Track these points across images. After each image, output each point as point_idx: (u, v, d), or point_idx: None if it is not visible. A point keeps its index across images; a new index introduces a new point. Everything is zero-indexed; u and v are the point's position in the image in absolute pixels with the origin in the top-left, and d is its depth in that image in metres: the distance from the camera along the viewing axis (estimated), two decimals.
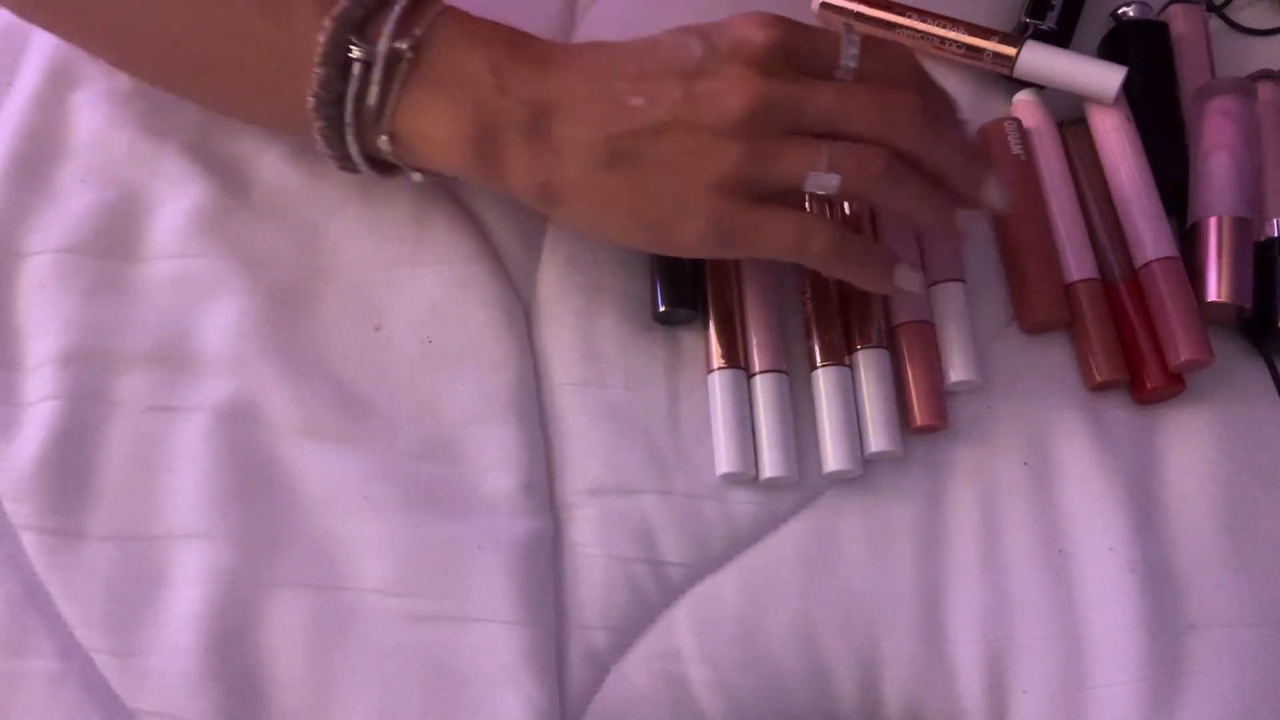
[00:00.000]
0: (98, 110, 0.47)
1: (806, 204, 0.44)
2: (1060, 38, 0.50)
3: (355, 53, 0.38)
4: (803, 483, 0.43)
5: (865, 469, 0.43)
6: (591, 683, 0.40)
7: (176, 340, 0.44)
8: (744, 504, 0.42)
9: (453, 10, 0.40)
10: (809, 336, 0.44)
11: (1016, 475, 0.43)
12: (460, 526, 0.41)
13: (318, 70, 0.38)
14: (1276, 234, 0.45)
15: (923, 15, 0.50)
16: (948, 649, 0.41)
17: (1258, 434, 0.44)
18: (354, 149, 0.40)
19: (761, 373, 0.43)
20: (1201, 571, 0.41)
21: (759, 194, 0.38)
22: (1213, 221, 0.45)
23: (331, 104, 0.39)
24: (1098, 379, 0.44)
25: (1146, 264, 0.45)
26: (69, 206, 0.46)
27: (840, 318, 0.44)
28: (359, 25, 0.38)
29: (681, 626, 0.41)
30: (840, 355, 0.44)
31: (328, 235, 0.46)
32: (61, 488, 0.41)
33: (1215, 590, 0.41)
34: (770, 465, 0.42)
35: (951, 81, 0.50)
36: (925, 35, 0.50)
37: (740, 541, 0.42)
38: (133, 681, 0.39)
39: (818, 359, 0.44)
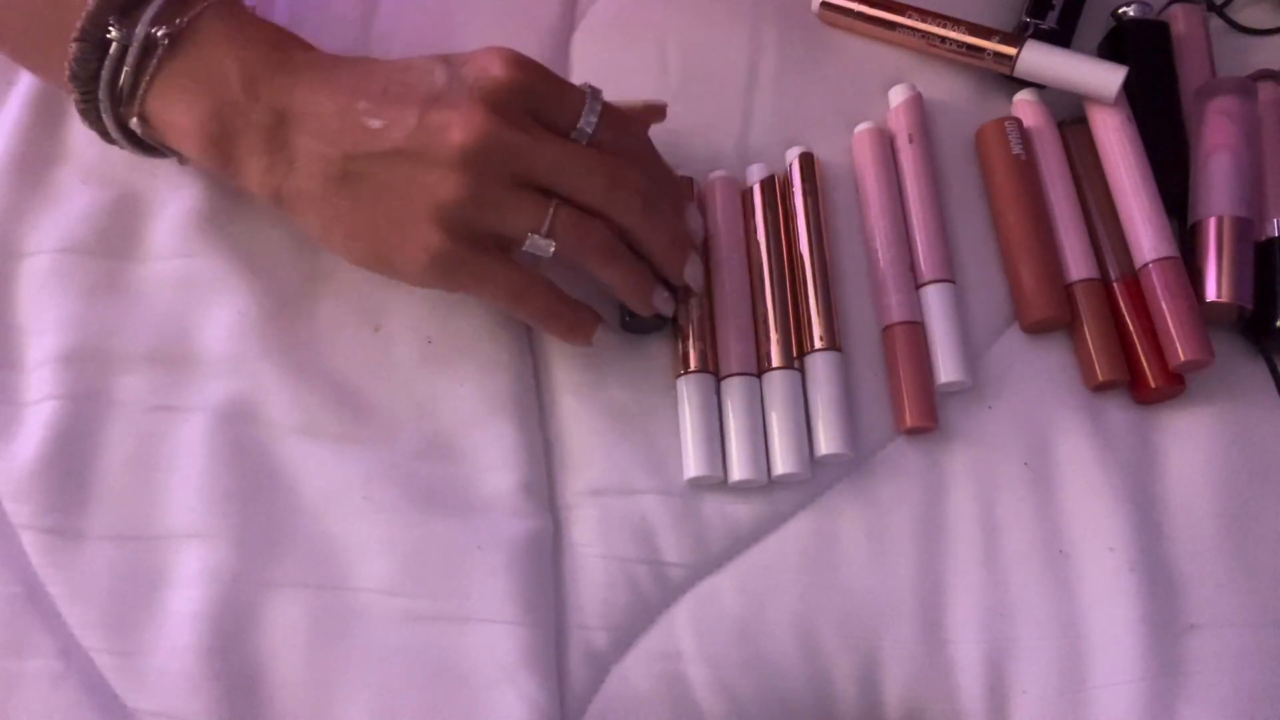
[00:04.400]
0: None
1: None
2: (1061, 37, 0.50)
3: (113, 34, 0.39)
4: (802, 483, 0.43)
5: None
6: (591, 683, 0.40)
7: (176, 340, 0.44)
8: (744, 504, 0.42)
9: (226, 6, 0.40)
10: (765, 340, 0.44)
11: (1016, 475, 0.43)
12: (460, 526, 0.41)
13: (73, 45, 0.39)
14: (1277, 234, 0.45)
15: (923, 14, 0.50)
16: (948, 649, 0.41)
17: (1258, 434, 0.44)
18: (110, 125, 0.41)
19: (729, 376, 0.43)
20: (1201, 571, 0.41)
21: (480, 236, 0.39)
22: (1213, 221, 0.45)
23: (87, 80, 0.39)
24: (1098, 379, 0.44)
25: (1146, 264, 0.45)
26: (69, 206, 0.46)
27: (793, 321, 0.44)
28: (125, 7, 0.39)
29: (681, 627, 0.41)
30: (790, 359, 0.44)
31: None
32: (61, 487, 0.41)
33: (1215, 590, 0.41)
34: (739, 468, 0.42)
35: (952, 80, 0.50)
36: (926, 34, 0.50)
37: (740, 541, 0.42)
38: (132, 681, 0.39)
39: (773, 362, 0.44)
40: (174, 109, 0.39)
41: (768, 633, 0.41)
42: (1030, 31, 0.50)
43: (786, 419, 0.43)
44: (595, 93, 0.40)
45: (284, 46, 0.40)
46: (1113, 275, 0.46)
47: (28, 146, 0.47)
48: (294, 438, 0.42)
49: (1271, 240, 0.45)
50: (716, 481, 0.42)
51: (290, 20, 0.50)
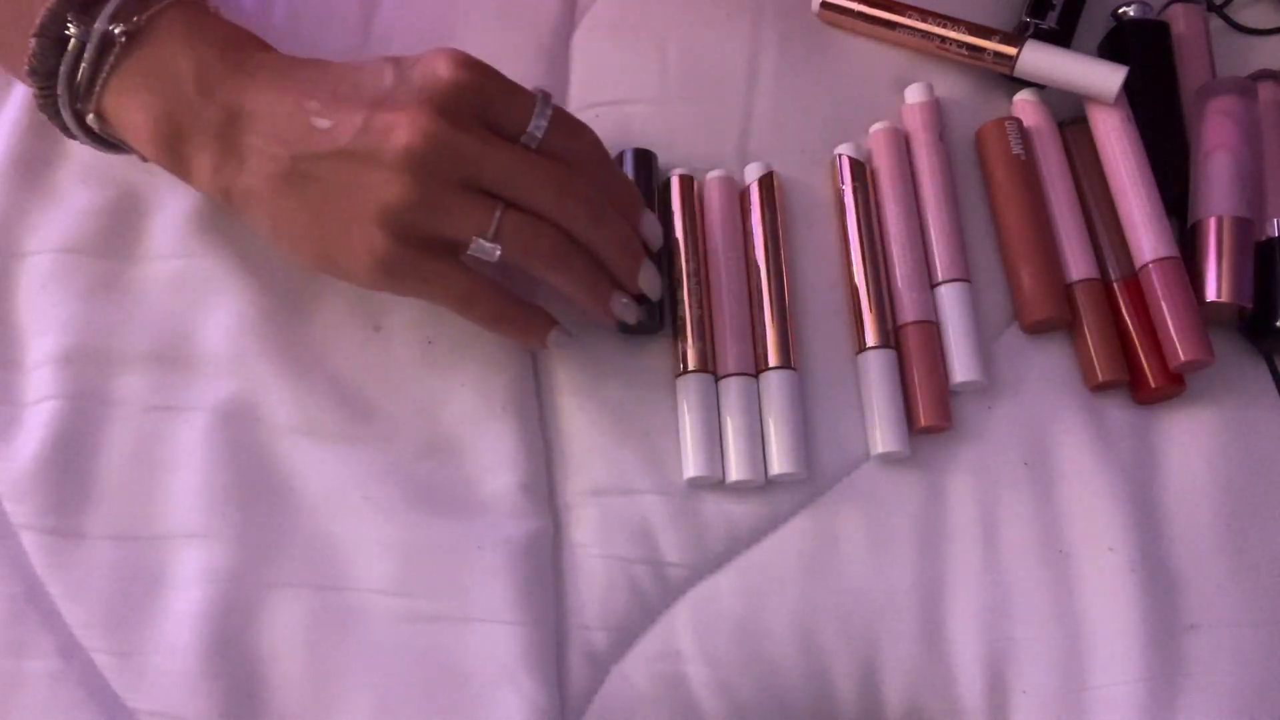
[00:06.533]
0: None
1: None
2: (1061, 37, 0.50)
3: (71, 30, 0.39)
4: (803, 483, 0.43)
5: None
6: (591, 683, 0.40)
7: (176, 340, 0.44)
8: (744, 504, 0.42)
9: (186, 5, 0.40)
10: (763, 339, 0.44)
11: (1016, 475, 0.43)
12: (460, 526, 0.41)
13: (32, 40, 0.39)
14: (1277, 234, 0.45)
15: (923, 14, 0.50)
16: (948, 649, 0.41)
17: (1258, 434, 0.44)
18: (69, 120, 0.41)
19: (727, 376, 0.43)
20: (1201, 571, 0.41)
21: (427, 240, 0.38)
22: (1213, 221, 0.45)
23: (46, 75, 0.40)
24: (1098, 379, 0.44)
25: (1146, 264, 0.45)
26: (69, 206, 0.46)
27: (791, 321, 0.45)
28: (85, 4, 0.39)
29: (681, 627, 0.41)
30: (788, 359, 0.44)
31: None
32: (61, 487, 0.41)
33: (1215, 590, 0.41)
34: (736, 469, 0.42)
35: (952, 80, 0.50)
36: (926, 34, 0.50)
37: (740, 541, 0.42)
38: (132, 681, 0.39)
39: (770, 361, 0.44)
40: (129, 106, 0.39)
41: (767, 633, 0.41)
42: (1030, 31, 0.49)
43: (783, 419, 0.43)
44: (545, 97, 0.40)
45: (241, 47, 0.40)
46: (1113, 275, 0.46)
47: (28, 146, 0.47)
48: (294, 438, 0.42)
49: (1271, 240, 0.45)
50: (715, 481, 0.42)
51: (290, 20, 0.50)
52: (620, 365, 0.44)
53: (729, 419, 0.43)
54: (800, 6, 0.52)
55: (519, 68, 0.49)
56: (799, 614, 0.41)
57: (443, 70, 0.38)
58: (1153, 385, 0.44)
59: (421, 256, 0.38)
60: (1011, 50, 0.48)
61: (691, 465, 0.42)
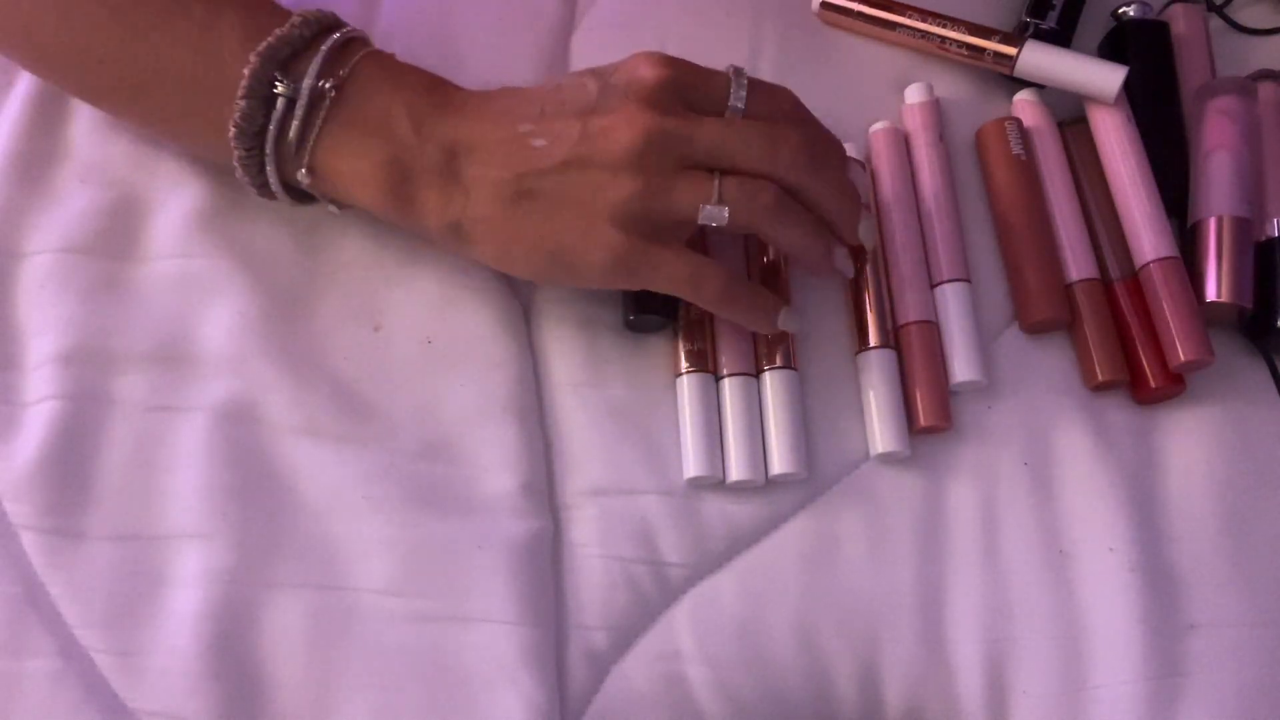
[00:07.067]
0: (97, 110, 0.47)
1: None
2: (1061, 37, 0.50)
3: (279, 89, 0.39)
4: (804, 483, 0.43)
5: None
6: (591, 683, 0.40)
7: (176, 340, 0.44)
8: (744, 504, 0.42)
9: (376, 52, 0.41)
10: (763, 339, 0.44)
11: (1017, 475, 0.43)
12: (460, 526, 0.41)
13: (240, 103, 0.39)
14: (1277, 234, 0.45)
15: (923, 14, 0.50)
16: (948, 649, 0.41)
17: (1258, 434, 0.44)
18: (273, 179, 0.41)
19: (729, 376, 0.43)
20: (1201, 571, 0.41)
21: (657, 227, 0.39)
22: (1213, 221, 0.45)
23: (252, 135, 0.40)
24: (1098, 379, 0.44)
25: (1146, 264, 0.45)
26: (69, 206, 0.46)
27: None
28: (285, 62, 0.40)
29: (681, 627, 0.41)
30: (789, 359, 0.44)
31: (328, 235, 0.46)
32: (61, 488, 0.41)
33: (1215, 590, 0.41)
34: (736, 469, 0.42)
35: (952, 80, 0.50)
36: (926, 34, 0.50)
37: (740, 541, 0.42)
38: (132, 681, 0.39)
39: (771, 361, 0.44)
40: (346, 159, 0.40)
41: (768, 633, 0.41)
42: (1030, 31, 0.50)
43: (784, 419, 0.43)
44: (739, 71, 0.41)
45: (438, 87, 0.41)
46: (1113, 275, 0.46)
47: (28, 146, 0.47)
48: (294, 438, 0.42)
49: (1271, 240, 0.45)
50: (715, 481, 0.42)
51: None
52: (621, 365, 0.44)
53: (729, 419, 0.43)
54: (800, 6, 0.52)
55: (519, 68, 0.50)
56: (799, 614, 0.41)
57: (644, 71, 0.39)
58: (1153, 385, 0.44)
59: (652, 246, 0.39)
60: (1011, 50, 0.48)
61: (692, 465, 0.42)
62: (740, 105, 0.40)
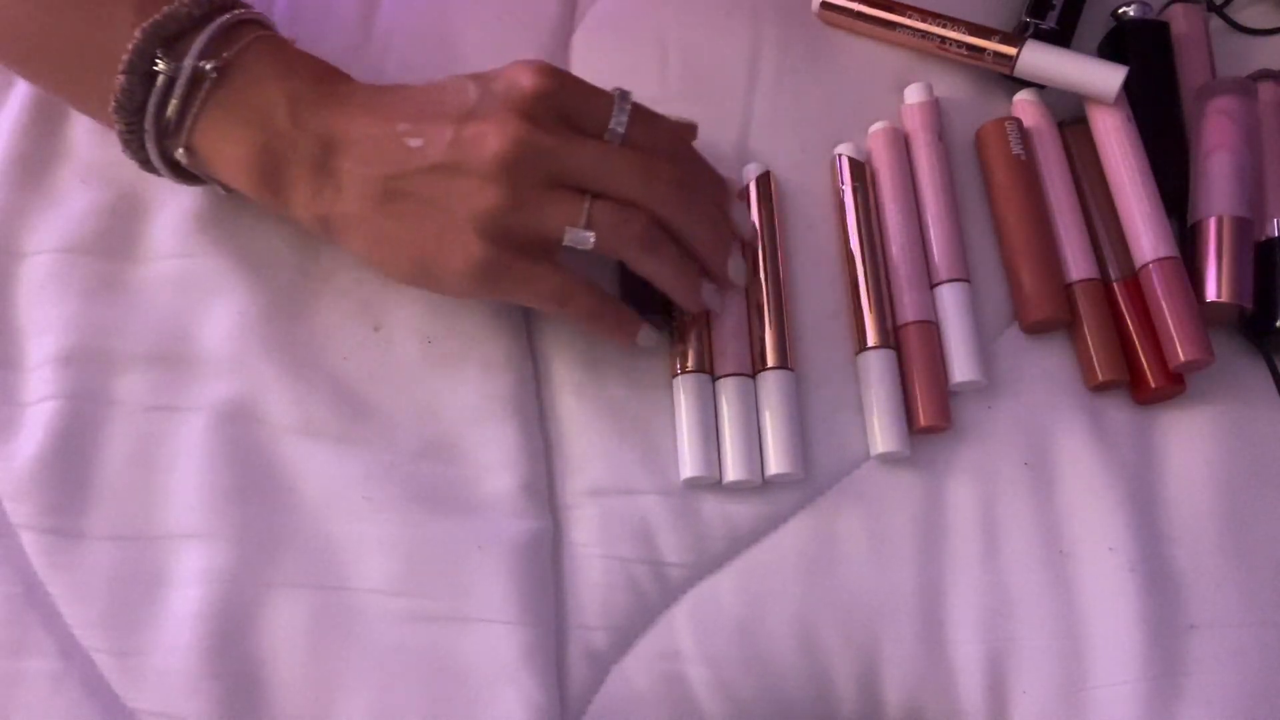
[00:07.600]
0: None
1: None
2: (1061, 37, 0.50)
3: (159, 66, 0.39)
4: (803, 483, 0.43)
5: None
6: (591, 683, 0.40)
7: (176, 340, 0.44)
8: (744, 504, 0.42)
9: (268, 37, 0.41)
10: (760, 339, 0.44)
11: (1017, 475, 0.43)
12: (460, 526, 0.41)
13: (120, 78, 0.39)
14: (1277, 234, 0.45)
15: (923, 14, 0.50)
16: (948, 649, 0.41)
17: (1258, 434, 0.44)
18: (154, 156, 0.41)
19: (724, 376, 0.43)
20: (1201, 571, 0.41)
21: (523, 241, 0.39)
22: (1213, 221, 0.45)
23: (133, 111, 0.40)
24: (1098, 379, 0.44)
25: (1146, 264, 0.45)
26: (69, 206, 0.46)
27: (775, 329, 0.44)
28: (170, 39, 0.39)
29: (681, 626, 0.41)
30: (785, 359, 0.44)
31: None
32: (61, 487, 0.41)
33: (1215, 590, 0.41)
34: (733, 469, 0.42)
35: (952, 80, 0.50)
36: (926, 34, 0.50)
37: (740, 541, 0.42)
38: (132, 681, 0.39)
39: (767, 362, 0.44)
40: (222, 140, 0.40)
41: (768, 633, 0.41)
42: (1030, 31, 0.50)
43: (780, 419, 0.43)
44: (624, 94, 0.40)
45: (327, 78, 0.41)
46: (1113, 275, 0.46)
47: (28, 146, 0.47)
48: (294, 438, 0.42)
49: (1271, 240, 0.45)
50: (712, 482, 0.42)
51: (289, 19, 0.50)
52: (621, 365, 0.44)
53: (725, 420, 0.43)
54: (800, 6, 0.52)
55: None
56: (799, 614, 0.41)
57: (524, 79, 0.39)
58: (1153, 385, 0.44)
59: (517, 259, 0.39)
60: (1011, 50, 0.48)
61: (688, 465, 0.42)
62: (620, 130, 0.40)
